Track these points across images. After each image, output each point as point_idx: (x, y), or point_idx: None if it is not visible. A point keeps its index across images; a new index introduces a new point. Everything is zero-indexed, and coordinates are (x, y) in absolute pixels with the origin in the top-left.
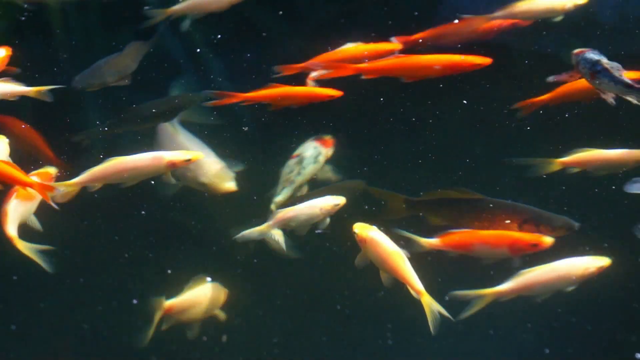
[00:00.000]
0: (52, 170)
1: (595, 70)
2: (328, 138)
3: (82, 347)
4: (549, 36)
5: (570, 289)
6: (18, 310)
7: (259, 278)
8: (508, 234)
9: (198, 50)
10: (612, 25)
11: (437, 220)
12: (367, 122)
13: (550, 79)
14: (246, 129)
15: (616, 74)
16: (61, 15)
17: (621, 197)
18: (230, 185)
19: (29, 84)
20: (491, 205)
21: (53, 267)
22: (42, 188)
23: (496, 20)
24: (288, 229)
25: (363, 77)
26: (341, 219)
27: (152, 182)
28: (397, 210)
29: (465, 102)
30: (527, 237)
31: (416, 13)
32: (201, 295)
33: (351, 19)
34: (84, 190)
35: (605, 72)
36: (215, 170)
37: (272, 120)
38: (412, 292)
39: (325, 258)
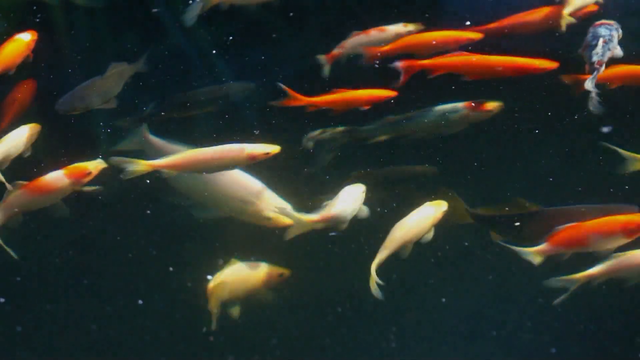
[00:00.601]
0: (92, 165)
1: (589, 44)
2: (484, 105)
3: (89, 348)
4: (560, 37)
5: None
6: (23, 312)
7: None
8: (616, 219)
9: (207, 51)
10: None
11: (497, 236)
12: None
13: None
14: (257, 132)
15: (599, 50)
16: (68, 16)
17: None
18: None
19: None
20: (553, 213)
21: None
22: None
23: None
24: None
25: (430, 76)
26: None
27: (147, 181)
28: (459, 217)
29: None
30: (637, 217)
31: (427, 15)
32: (241, 274)
33: (360, 20)
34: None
35: (592, 47)
36: (276, 203)
37: (281, 122)
38: None
39: (327, 259)
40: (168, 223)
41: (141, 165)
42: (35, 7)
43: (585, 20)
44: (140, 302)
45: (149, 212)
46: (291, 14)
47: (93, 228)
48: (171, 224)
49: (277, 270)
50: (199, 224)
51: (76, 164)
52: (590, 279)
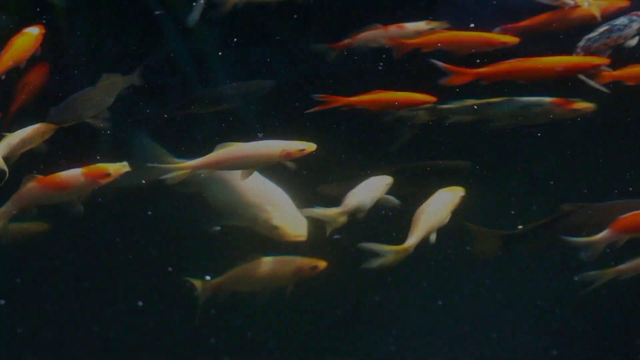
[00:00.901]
0: (113, 167)
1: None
2: (572, 104)
3: (90, 349)
4: (566, 39)
5: None
6: (24, 313)
7: None
8: None
9: (212, 53)
10: None
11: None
12: (379, 126)
13: None
14: (261, 134)
15: (599, 39)
16: (69, 17)
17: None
18: (300, 233)
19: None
20: (594, 210)
21: None
22: None
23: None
24: (356, 213)
25: (483, 82)
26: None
27: (143, 182)
28: (491, 247)
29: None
30: None
31: (431, 17)
32: (252, 268)
33: (365, 22)
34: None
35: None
36: (290, 215)
37: (284, 126)
38: None
39: (327, 261)
40: (169, 224)
41: (181, 168)
42: (39, 9)
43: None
44: (140, 303)
45: (149, 212)
46: (295, 15)
47: (93, 229)
48: (172, 224)
49: (308, 262)
50: (200, 224)
51: (98, 164)
52: (619, 274)
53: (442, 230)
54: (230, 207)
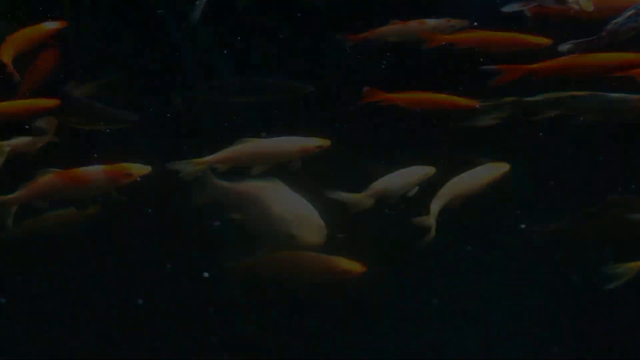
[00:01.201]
0: (135, 168)
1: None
2: None
3: (90, 349)
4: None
5: None
6: (24, 312)
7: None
8: None
9: (213, 52)
10: None
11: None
12: (383, 127)
13: None
14: (264, 134)
15: (626, 22)
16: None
17: None
18: (320, 238)
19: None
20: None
21: None
22: None
23: None
24: (382, 199)
25: (534, 77)
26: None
27: (139, 179)
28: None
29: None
30: None
31: (433, 16)
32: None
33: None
34: None
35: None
36: (308, 222)
37: (288, 126)
38: None
39: None
40: (169, 222)
41: (197, 164)
42: (41, 8)
43: None
44: (140, 301)
45: (150, 211)
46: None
47: (94, 227)
48: (173, 223)
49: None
50: (201, 223)
51: (121, 163)
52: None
53: (442, 230)
54: (257, 224)
